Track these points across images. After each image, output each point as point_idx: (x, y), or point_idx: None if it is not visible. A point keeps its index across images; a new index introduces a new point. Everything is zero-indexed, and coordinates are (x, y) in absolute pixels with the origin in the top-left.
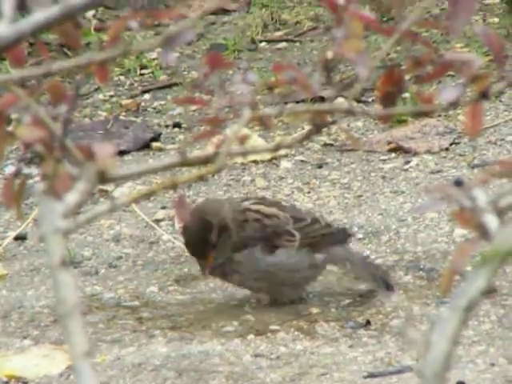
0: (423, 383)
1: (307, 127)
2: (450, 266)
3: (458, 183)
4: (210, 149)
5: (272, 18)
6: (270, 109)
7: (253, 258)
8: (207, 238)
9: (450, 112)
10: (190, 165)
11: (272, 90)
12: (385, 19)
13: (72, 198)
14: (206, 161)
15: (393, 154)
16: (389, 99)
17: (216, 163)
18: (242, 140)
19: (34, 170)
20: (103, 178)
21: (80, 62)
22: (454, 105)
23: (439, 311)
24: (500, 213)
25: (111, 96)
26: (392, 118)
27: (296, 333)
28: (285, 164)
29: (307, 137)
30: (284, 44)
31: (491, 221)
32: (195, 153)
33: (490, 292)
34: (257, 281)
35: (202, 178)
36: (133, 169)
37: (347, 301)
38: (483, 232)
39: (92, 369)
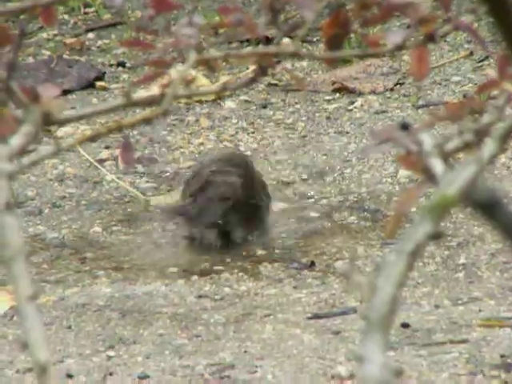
0: (369, 327)
1: (252, 67)
2: (396, 209)
3: (404, 126)
4: (155, 89)
5: None
6: (216, 51)
7: None
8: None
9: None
10: (134, 106)
11: (217, 31)
12: None
13: (17, 140)
14: (151, 102)
15: (337, 94)
16: (335, 42)
17: (162, 105)
18: (188, 82)
19: None
20: (48, 120)
21: (25, 5)
22: (400, 47)
23: (383, 253)
24: (445, 157)
25: (55, 35)
26: (338, 60)
27: (240, 274)
28: (229, 104)
29: (253, 80)
30: None
31: (437, 165)
32: (140, 93)
33: (437, 236)
34: None
35: (147, 121)
36: (78, 111)
37: (291, 242)
38: (429, 176)
39: (36, 311)
